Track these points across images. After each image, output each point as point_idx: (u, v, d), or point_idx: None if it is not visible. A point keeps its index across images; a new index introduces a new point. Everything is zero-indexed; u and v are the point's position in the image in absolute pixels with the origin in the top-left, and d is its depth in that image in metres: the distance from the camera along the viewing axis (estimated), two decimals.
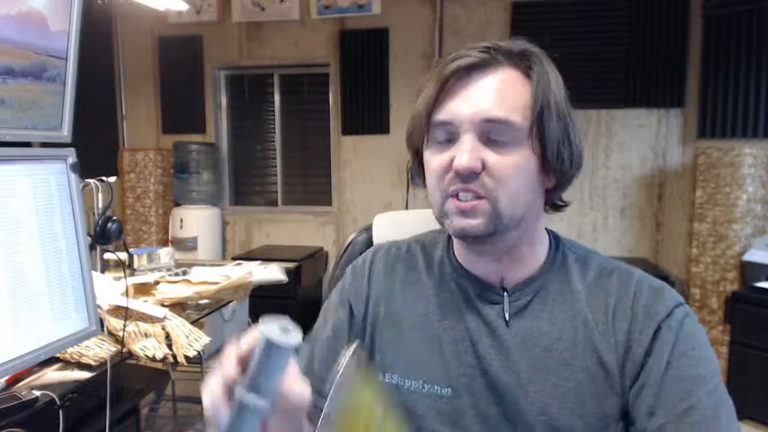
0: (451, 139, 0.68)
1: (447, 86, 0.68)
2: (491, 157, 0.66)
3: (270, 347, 0.43)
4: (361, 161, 4.15)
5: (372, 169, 4.13)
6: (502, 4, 3.79)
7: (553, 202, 0.75)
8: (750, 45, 3.30)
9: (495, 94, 0.66)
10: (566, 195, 0.76)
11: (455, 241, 0.78)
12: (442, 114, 0.68)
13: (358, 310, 0.79)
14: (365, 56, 4.02)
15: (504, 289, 0.73)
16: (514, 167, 0.66)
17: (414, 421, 0.70)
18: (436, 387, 0.71)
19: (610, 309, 0.69)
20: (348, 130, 4.13)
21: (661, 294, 0.69)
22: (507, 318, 0.71)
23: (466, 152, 0.65)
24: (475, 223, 0.67)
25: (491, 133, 0.66)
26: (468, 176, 0.65)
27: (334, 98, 4.16)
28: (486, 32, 3.83)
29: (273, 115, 4.37)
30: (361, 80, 4.05)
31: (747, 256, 3.07)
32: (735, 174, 3.19)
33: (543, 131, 0.67)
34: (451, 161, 0.67)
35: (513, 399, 0.68)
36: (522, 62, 0.69)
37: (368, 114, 4.07)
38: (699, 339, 0.67)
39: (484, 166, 0.66)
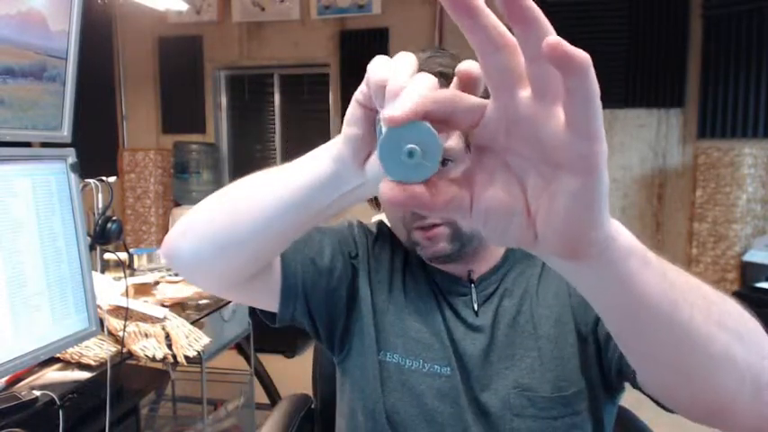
0: None
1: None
2: None
3: None
4: None
5: None
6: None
7: None
8: (750, 45, 3.30)
9: None
10: None
11: None
12: None
13: (359, 261, 0.78)
14: (365, 56, 3.98)
15: (472, 281, 0.75)
16: None
17: (416, 400, 0.72)
18: (436, 366, 0.72)
19: (562, 280, 0.72)
20: None
21: None
22: (476, 308, 0.74)
23: None
24: (440, 247, 0.70)
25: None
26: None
27: (334, 98, 4.16)
28: None
29: (273, 115, 4.37)
30: (361, 80, 4.03)
31: (747, 257, 3.08)
32: (735, 174, 3.20)
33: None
34: None
35: (486, 379, 0.71)
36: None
37: None
38: None
39: None
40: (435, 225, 0.69)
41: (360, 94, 0.42)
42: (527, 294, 0.74)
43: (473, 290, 0.75)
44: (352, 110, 0.42)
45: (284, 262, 0.70)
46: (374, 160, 0.42)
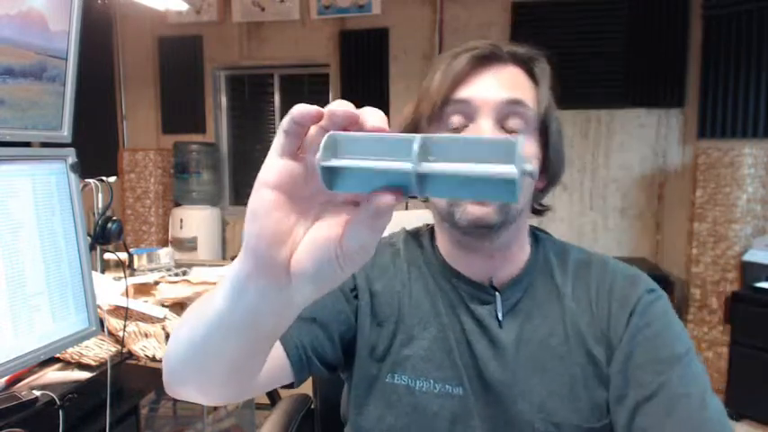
0: (464, 126, 0.67)
1: (463, 72, 0.67)
2: None
3: None
4: None
5: None
6: (502, 4, 3.79)
7: (533, 205, 0.76)
8: (750, 45, 3.30)
9: (510, 82, 0.67)
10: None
11: (441, 240, 0.76)
12: (463, 93, 0.67)
13: (360, 287, 0.75)
14: (365, 56, 4.02)
15: (495, 288, 0.72)
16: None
17: (427, 422, 0.69)
18: (447, 386, 0.69)
19: (592, 301, 0.70)
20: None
21: (635, 282, 0.70)
22: (500, 318, 0.71)
23: (485, 133, 0.64)
24: (487, 211, 0.65)
25: (508, 119, 0.66)
26: None
27: (334, 98, 4.14)
28: (487, 32, 3.83)
29: (273, 115, 4.37)
30: (361, 80, 4.05)
31: (747, 256, 3.07)
32: (735, 174, 3.19)
33: (549, 129, 0.69)
34: None
35: (511, 399, 0.68)
36: (526, 63, 0.70)
37: None
38: (666, 321, 0.67)
39: None
40: None
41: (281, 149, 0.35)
42: (560, 316, 0.70)
43: (497, 298, 0.71)
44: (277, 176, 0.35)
45: (283, 340, 0.66)
46: (311, 255, 0.35)
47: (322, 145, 0.32)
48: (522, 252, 0.74)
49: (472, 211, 0.65)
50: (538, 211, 0.77)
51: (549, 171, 0.71)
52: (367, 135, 0.33)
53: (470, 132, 0.66)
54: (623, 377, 0.65)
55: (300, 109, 0.33)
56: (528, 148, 0.67)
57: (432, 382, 0.70)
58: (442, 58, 0.70)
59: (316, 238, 0.35)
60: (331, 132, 0.33)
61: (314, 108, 0.34)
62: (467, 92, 0.67)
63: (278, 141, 0.35)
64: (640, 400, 0.62)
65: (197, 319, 0.46)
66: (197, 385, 0.52)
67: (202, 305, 0.46)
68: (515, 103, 0.66)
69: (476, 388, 0.69)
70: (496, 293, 0.71)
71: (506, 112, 0.66)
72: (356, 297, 0.75)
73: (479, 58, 0.67)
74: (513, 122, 0.66)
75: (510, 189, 0.30)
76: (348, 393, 0.77)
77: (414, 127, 0.72)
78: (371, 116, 0.33)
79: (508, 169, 0.30)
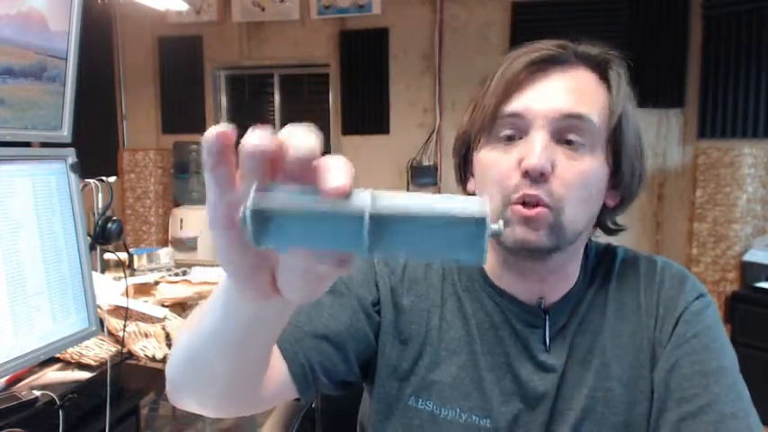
0: (517, 137, 0.61)
1: (518, 79, 0.61)
2: (562, 159, 0.59)
3: None
4: (361, 161, 4.15)
5: (372, 169, 4.12)
6: (502, 4, 3.79)
7: (607, 223, 0.69)
8: (750, 45, 3.30)
9: (573, 90, 0.61)
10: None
11: (490, 257, 0.69)
12: (515, 106, 0.61)
13: (384, 303, 0.69)
14: (365, 56, 4.02)
15: (545, 311, 0.66)
16: (586, 174, 0.60)
17: None
18: (474, 417, 0.64)
19: (642, 305, 0.66)
20: (348, 130, 4.13)
21: (683, 284, 0.67)
22: (548, 342, 0.66)
23: (539, 150, 0.57)
24: (537, 234, 0.58)
25: (566, 132, 0.60)
26: (538, 179, 0.58)
27: (334, 98, 4.15)
28: (487, 32, 3.83)
29: (273, 115, 4.37)
30: (361, 80, 4.05)
31: (747, 256, 3.07)
32: (735, 174, 3.19)
33: (621, 140, 0.62)
34: (519, 161, 0.59)
35: (550, 421, 0.65)
36: (598, 66, 0.64)
37: (368, 114, 4.07)
38: (715, 333, 0.64)
39: (553, 169, 0.58)
40: (541, 204, 0.58)
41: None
42: (600, 327, 0.66)
43: (546, 321, 0.66)
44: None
45: (287, 356, 0.61)
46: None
47: (249, 199, 0.28)
48: (575, 270, 0.68)
49: (519, 234, 0.59)
50: (610, 230, 0.70)
51: (622, 187, 0.64)
52: (303, 206, 0.28)
53: (523, 146, 0.60)
54: (666, 386, 0.62)
55: (210, 137, 0.30)
56: (583, 165, 0.60)
57: (458, 410, 0.65)
58: (505, 59, 0.64)
59: (285, 260, 0.32)
60: (258, 192, 0.28)
61: (223, 132, 0.29)
62: (519, 103, 0.61)
63: (207, 179, 0.30)
64: (685, 415, 0.59)
65: (192, 331, 0.45)
66: (195, 397, 0.52)
67: (199, 317, 0.45)
68: (575, 117, 0.59)
69: (521, 414, 0.65)
70: (546, 316, 0.66)
71: (564, 125, 0.59)
72: (378, 313, 0.69)
73: (538, 62, 0.61)
74: (572, 137, 0.59)
75: (477, 244, 0.27)
76: (369, 407, 0.74)
77: (467, 138, 0.67)
78: (333, 174, 0.27)
79: (476, 209, 0.27)
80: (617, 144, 0.62)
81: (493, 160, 0.62)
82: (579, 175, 0.59)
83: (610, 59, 0.66)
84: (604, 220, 0.68)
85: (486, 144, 0.63)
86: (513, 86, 0.61)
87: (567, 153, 0.60)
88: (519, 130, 0.61)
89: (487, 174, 0.63)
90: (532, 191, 0.58)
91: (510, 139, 0.62)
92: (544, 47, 0.63)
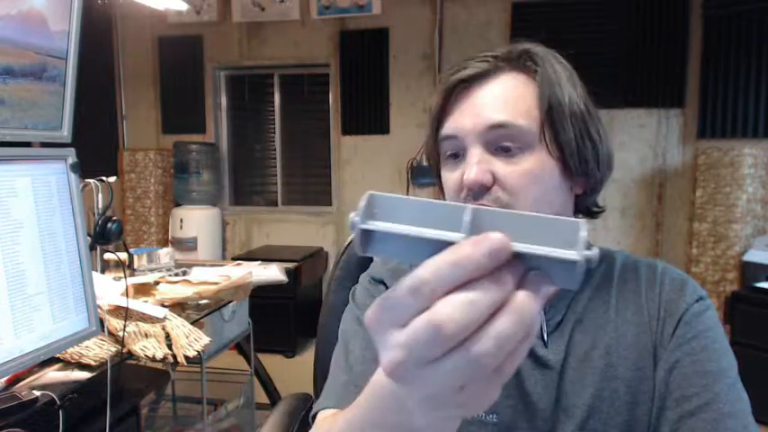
0: (461, 155, 0.65)
1: (450, 101, 0.66)
2: (501, 167, 0.62)
3: None
4: (361, 161, 4.15)
5: (372, 169, 4.13)
6: (502, 5, 3.79)
7: (587, 208, 0.71)
8: (750, 45, 3.30)
9: (497, 100, 0.63)
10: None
11: None
12: (447, 129, 0.66)
13: None
14: (365, 56, 4.02)
15: None
16: (529, 176, 0.62)
17: None
18: (480, 413, 0.65)
19: (643, 307, 0.67)
20: (348, 130, 4.13)
21: (683, 288, 0.67)
22: (545, 338, 0.67)
23: (473, 165, 0.61)
24: None
25: (498, 141, 0.63)
26: (479, 192, 0.62)
27: (334, 98, 4.16)
28: (486, 32, 3.84)
29: (273, 115, 4.37)
30: (361, 80, 4.05)
31: (747, 256, 3.07)
32: (735, 174, 3.20)
33: (556, 132, 0.63)
34: (462, 177, 0.63)
35: (554, 418, 0.65)
36: (524, 64, 0.66)
37: (368, 114, 4.07)
38: (714, 335, 0.65)
39: (495, 179, 0.62)
40: None
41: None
42: (602, 328, 0.67)
43: (542, 317, 0.67)
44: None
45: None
46: None
47: (362, 204, 0.30)
48: None
49: None
50: (592, 213, 0.73)
51: (581, 172, 0.66)
52: (413, 200, 0.31)
53: (464, 163, 0.64)
54: (666, 386, 0.63)
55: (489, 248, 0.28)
56: (522, 168, 0.62)
57: None
58: (438, 83, 0.68)
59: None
60: (371, 192, 0.31)
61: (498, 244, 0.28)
62: (451, 124, 0.65)
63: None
64: (684, 414, 0.60)
65: None
66: None
67: None
68: (499, 126, 0.62)
69: (521, 410, 0.65)
70: (542, 312, 0.67)
71: (493, 136, 0.62)
72: None
73: (467, 80, 0.65)
74: (506, 143, 0.62)
75: (570, 275, 0.27)
76: None
77: (431, 163, 0.72)
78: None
79: (570, 255, 0.27)
80: (555, 136, 0.63)
81: (446, 178, 0.67)
82: (522, 176, 0.62)
83: (531, 52, 0.66)
84: (582, 206, 0.70)
85: (443, 165, 0.69)
86: (446, 109, 0.66)
87: (505, 160, 0.63)
88: (459, 148, 0.65)
89: (446, 191, 0.68)
90: (480, 203, 0.61)
91: (456, 156, 0.66)
92: (468, 64, 0.65)
